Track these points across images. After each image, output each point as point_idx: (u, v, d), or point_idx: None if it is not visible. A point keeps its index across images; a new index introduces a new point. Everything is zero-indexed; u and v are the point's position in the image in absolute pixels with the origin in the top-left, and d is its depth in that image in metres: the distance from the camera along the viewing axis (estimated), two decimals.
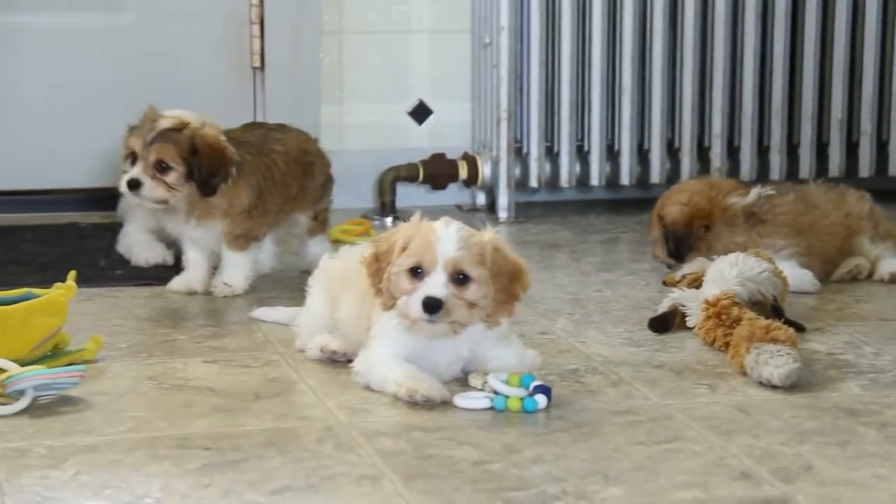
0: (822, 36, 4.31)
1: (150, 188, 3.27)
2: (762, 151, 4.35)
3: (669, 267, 3.48)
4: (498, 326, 2.68)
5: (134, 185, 3.27)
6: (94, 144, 4.12)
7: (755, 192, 3.53)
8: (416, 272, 2.61)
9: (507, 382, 2.64)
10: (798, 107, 4.33)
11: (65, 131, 4.13)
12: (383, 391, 2.67)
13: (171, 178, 3.27)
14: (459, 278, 2.61)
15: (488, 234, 2.66)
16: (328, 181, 3.57)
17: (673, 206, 3.49)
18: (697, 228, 3.43)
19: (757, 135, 4.33)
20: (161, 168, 3.27)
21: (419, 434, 2.50)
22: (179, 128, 3.28)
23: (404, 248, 2.63)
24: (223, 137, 3.33)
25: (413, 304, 2.60)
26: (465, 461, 2.38)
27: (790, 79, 4.32)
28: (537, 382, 2.64)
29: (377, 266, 2.66)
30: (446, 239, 2.61)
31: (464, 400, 2.63)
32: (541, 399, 2.61)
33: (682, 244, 3.45)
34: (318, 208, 3.55)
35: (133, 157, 3.30)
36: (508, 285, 2.64)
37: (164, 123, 3.29)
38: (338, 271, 2.87)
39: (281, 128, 3.54)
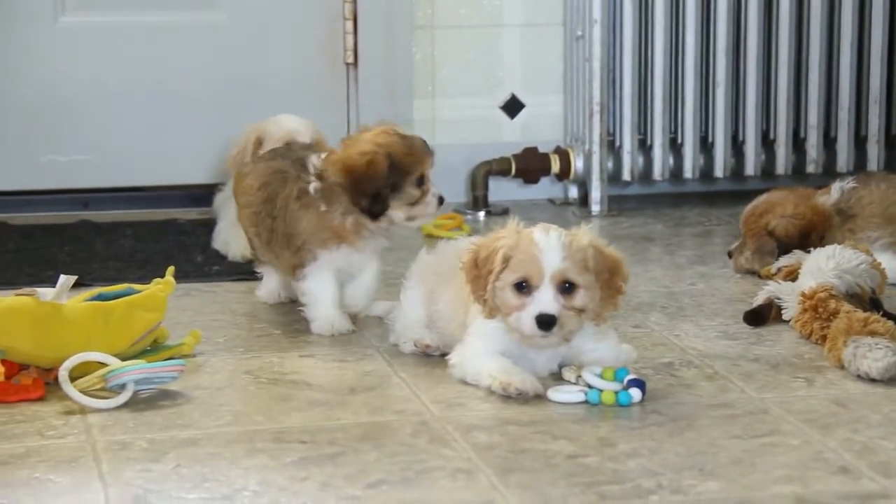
0: None
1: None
2: (859, 142, 4.29)
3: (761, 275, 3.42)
4: (605, 322, 2.68)
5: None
6: (191, 142, 4.17)
7: (836, 187, 3.48)
8: (522, 286, 2.61)
9: (601, 376, 2.63)
10: None
11: (162, 129, 4.18)
12: (478, 385, 2.68)
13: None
14: (566, 287, 2.61)
15: (586, 236, 2.65)
16: None
17: (781, 219, 3.43)
18: (815, 240, 3.37)
19: (854, 125, 4.27)
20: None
21: (513, 428, 2.50)
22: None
23: (506, 260, 2.62)
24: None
25: (526, 321, 2.60)
26: (560, 455, 2.38)
27: (888, 67, 4.25)
28: (631, 376, 2.63)
29: (476, 272, 2.65)
30: (550, 250, 2.60)
31: (558, 394, 2.63)
32: (635, 393, 2.60)
33: None
34: None
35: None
36: (610, 280, 2.65)
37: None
38: (434, 265, 2.88)
39: (312, 146, 3.31)
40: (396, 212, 3.00)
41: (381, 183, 2.96)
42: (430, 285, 2.87)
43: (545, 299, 2.59)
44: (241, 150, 3.58)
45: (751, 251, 3.49)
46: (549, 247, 2.60)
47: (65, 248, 3.75)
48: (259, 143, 3.54)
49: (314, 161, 3.04)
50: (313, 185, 3.01)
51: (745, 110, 4.23)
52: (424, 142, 3.04)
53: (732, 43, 4.20)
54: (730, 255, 3.56)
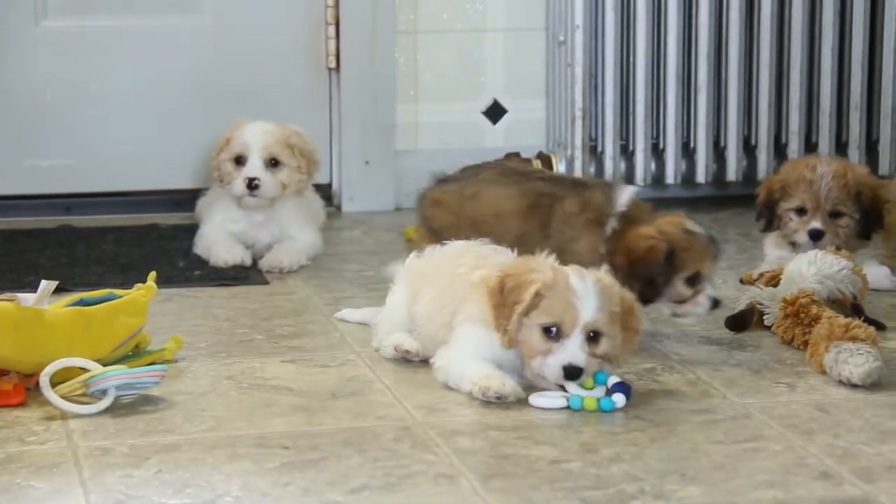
0: None
1: None
2: (840, 148, 4.30)
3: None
4: (621, 364, 2.68)
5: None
6: (173, 146, 4.16)
7: None
8: (551, 331, 2.59)
9: (582, 382, 2.63)
10: (877, 102, 4.28)
11: (144, 134, 4.17)
12: (459, 389, 2.68)
13: None
14: (592, 335, 2.60)
15: (606, 277, 2.63)
16: None
17: None
18: None
19: (835, 131, 4.29)
20: None
21: (496, 433, 2.50)
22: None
23: (537, 297, 2.58)
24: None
25: (552, 368, 2.59)
26: (543, 460, 2.38)
27: (869, 73, 4.27)
28: (616, 380, 2.63)
29: (500, 300, 2.61)
30: (586, 298, 2.58)
31: (540, 399, 2.63)
32: (618, 398, 2.61)
33: None
34: None
35: None
36: (626, 320, 2.63)
37: None
38: (421, 269, 2.87)
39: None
40: (661, 304, 2.95)
41: (655, 270, 2.90)
42: (415, 286, 2.86)
43: (574, 349, 2.58)
44: (215, 156, 3.64)
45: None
46: (586, 294, 2.58)
47: (46, 253, 3.74)
48: (227, 142, 3.60)
49: (622, 200, 2.99)
50: (611, 228, 2.97)
51: (727, 116, 4.24)
52: (712, 241, 2.98)
53: (714, 49, 4.20)
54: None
